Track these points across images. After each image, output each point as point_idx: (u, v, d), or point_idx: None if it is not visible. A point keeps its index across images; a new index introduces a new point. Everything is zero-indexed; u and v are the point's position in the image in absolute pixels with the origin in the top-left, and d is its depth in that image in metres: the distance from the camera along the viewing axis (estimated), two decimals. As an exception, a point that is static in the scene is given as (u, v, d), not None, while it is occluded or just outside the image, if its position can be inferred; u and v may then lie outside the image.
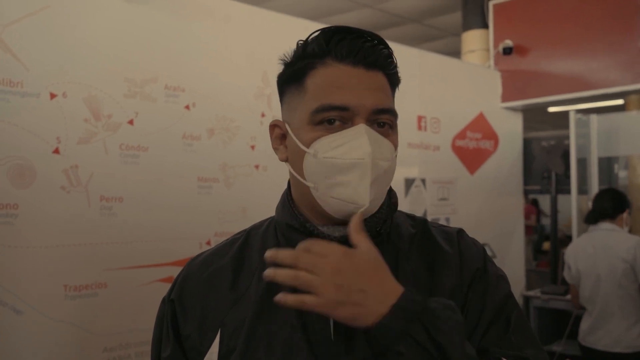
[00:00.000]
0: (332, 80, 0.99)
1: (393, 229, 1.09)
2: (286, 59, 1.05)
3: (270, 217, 1.16)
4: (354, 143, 0.96)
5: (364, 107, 0.97)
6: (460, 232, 1.12)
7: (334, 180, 0.97)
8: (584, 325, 3.50)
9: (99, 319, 2.28)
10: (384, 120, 1.00)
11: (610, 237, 3.46)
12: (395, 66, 1.05)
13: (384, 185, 1.01)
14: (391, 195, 1.09)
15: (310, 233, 1.01)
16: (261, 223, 1.17)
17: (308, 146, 0.99)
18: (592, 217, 3.63)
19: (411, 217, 1.15)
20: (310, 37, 1.03)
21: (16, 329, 2.07)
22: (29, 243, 2.12)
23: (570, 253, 3.65)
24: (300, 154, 1.01)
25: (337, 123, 0.98)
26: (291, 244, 1.03)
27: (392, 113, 1.02)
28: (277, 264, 1.00)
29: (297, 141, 1.01)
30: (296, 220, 1.04)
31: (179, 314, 1.09)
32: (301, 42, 1.04)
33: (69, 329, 2.20)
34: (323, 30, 1.02)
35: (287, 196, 1.09)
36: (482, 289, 1.05)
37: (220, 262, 1.11)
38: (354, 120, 0.98)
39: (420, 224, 1.13)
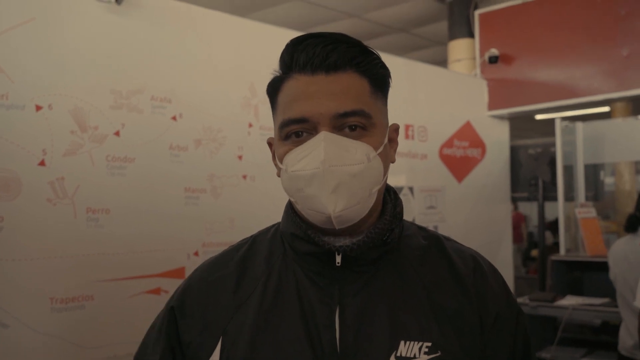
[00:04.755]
0: (292, 93, 0.98)
1: (404, 240, 1.07)
2: (275, 73, 1.05)
3: (277, 224, 1.14)
4: (314, 153, 0.94)
5: (322, 116, 0.96)
6: (475, 257, 1.09)
7: (304, 193, 0.97)
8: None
9: (86, 331, 2.26)
10: (352, 123, 0.97)
11: None
12: (372, 59, 1.01)
13: (360, 190, 0.96)
14: (396, 204, 1.07)
15: (313, 242, 1.00)
16: (267, 229, 1.15)
17: (281, 162, 1.00)
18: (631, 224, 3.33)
19: (423, 230, 1.13)
20: (282, 53, 1.03)
21: (2, 342, 2.05)
22: (14, 256, 2.10)
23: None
24: (279, 169, 1.02)
25: (304, 135, 0.97)
26: (297, 252, 1.04)
27: (360, 114, 0.97)
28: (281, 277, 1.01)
29: (276, 157, 1.03)
30: (300, 228, 1.03)
31: (180, 321, 1.07)
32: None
33: (55, 342, 2.18)
34: (287, 44, 1.01)
35: (289, 204, 1.08)
36: (510, 342, 1.05)
37: (224, 268, 1.09)
38: (317, 129, 0.96)
39: (432, 237, 1.11)
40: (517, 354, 1.05)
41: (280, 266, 1.06)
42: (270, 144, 1.10)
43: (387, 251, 1.03)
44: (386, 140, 1.02)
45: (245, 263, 1.09)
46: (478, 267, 1.07)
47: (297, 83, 0.98)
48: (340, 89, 0.97)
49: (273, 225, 1.15)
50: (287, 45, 1.01)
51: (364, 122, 0.98)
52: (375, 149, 0.98)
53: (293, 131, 0.98)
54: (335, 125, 0.96)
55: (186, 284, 1.12)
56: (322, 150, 0.94)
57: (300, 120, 0.96)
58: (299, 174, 0.96)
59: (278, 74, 1.03)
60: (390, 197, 1.08)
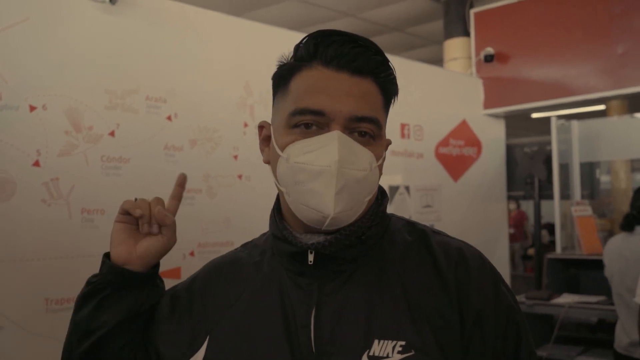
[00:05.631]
0: (313, 84, 0.96)
1: (388, 237, 1.05)
2: (283, 61, 1.03)
3: None
4: (324, 150, 0.93)
5: (340, 113, 0.94)
6: (460, 250, 1.03)
7: (303, 186, 0.95)
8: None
9: (82, 332, 2.25)
10: (364, 130, 0.96)
11: None
12: (390, 74, 1.01)
13: (359, 196, 0.96)
14: (381, 203, 1.06)
15: (287, 241, 1.00)
16: (265, 233, 1.16)
17: (283, 150, 0.97)
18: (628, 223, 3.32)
19: (410, 224, 1.11)
20: (303, 41, 1.01)
21: (-3, 344, 2.05)
22: (9, 256, 2.10)
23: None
24: (276, 157, 0.99)
25: (313, 128, 0.96)
26: (279, 253, 1.04)
27: (374, 122, 0.97)
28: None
29: (275, 144, 1.00)
30: (278, 229, 1.02)
31: (169, 321, 1.10)
32: (296, 45, 1.02)
33: (50, 344, 2.17)
34: (314, 33, 1.00)
35: (275, 204, 1.07)
36: (498, 341, 0.98)
37: (221, 270, 1.12)
38: (330, 126, 0.95)
39: (418, 232, 1.07)
40: (507, 352, 0.99)
41: (267, 268, 1.06)
42: (262, 127, 1.08)
43: (369, 248, 1.02)
44: (384, 154, 1.02)
45: (237, 266, 1.10)
46: (462, 260, 1.01)
47: (320, 75, 0.97)
48: (360, 93, 0.97)
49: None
50: (312, 35, 1.00)
51: (374, 131, 0.98)
52: (377, 159, 0.99)
53: (305, 122, 0.96)
54: (347, 127, 0.95)
55: (190, 282, 1.14)
56: (336, 149, 0.92)
57: (317, 113, 0.95)
58: (304, 167, 0.94)
59: (287, 62, 1.02)
60: (377, 198, 1.06)
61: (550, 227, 7.87)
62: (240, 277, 1.08)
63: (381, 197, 1.07)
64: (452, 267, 1.00)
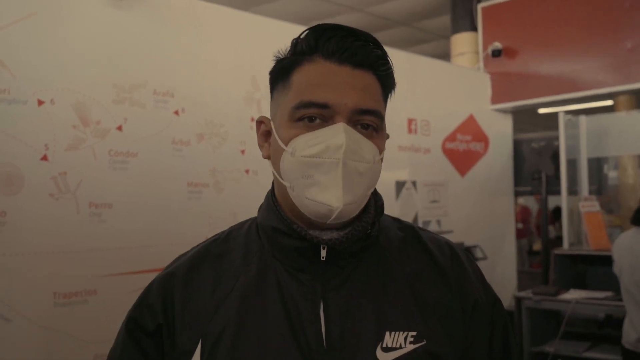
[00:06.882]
0: (316, 77, 0.96)
1: (381, 233, 1.07)
2: (279, 56, 1.03)
3: (251, 219, 1.12)
4: (331, 142, 0.93)
5: (345, 106, 0.94)
6: (450, 245, 1.10)
7: (309, 180, 0.94)
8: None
9: (89, 326, 2.27)
10: (367, 122, 0.97)
11: None
12: (388, 68, 1.02)
13: (363, 188, 0.97)
14: (377, 198, 1.06)
15: (299, 236, 0.98)
16: (241, 225, 1.12)
17: (287, 144, 0.97)
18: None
19: (397, 221, 1.13)
20: (302, 35, 1.01)
21: (5, 337, 2.06)
22: (17, 250, 2.11)
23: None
24: (279, 151, 0.98)
25: (317, 121, 0.95)
26: (278, 247, 1.01)
27: (377, 115, 0.98)
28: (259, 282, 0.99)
29: (278, 138, 0.99)
30: (283, 223, 1.00)
31: (164, 328, 1.02)
32: (295, 40, 1.02)
33: (59, 337, 2.18)
34: (314, 27, 1.00)
35: (272, 197, 1.05)
36: (488, 328, 1.05)
37: (201, 267, 1.05)
38: (334, 118, 0.95)
39: (407, 228, 1.11)
40: (495, 340, 1.05)
41: (259, 263, 1.03)
42: (261, 122, 1.07)
43: (368, 245, 1.02)
44: (384, 147, 1.03)
45: (221, 261, 1.05)
46: (455, 255, 1.08)
47: (323, 69, 0.97)
48: (363, 86, 0.97)
49: (247, 221, 1.13)
50: (312, 29, 1.00)
51: (377, 124, 0.98)
52: (380, 152, 0.99)
53: (309, 115, 0.95)
54: (351, 120, 0.96)
55: (161, 288, 1.05)
56: (342, 141, 0.92)
57: (322, 106, 0.95)
58: (310, 160, 0.94)
59: (286, 56, 1.01)
60: (373, 193, 1.06)
61: (555, 216, 7.91)
62: (227, 273, 1.03)
63: (375, 192, 1.08)
64: (448, 261, 1.06)
